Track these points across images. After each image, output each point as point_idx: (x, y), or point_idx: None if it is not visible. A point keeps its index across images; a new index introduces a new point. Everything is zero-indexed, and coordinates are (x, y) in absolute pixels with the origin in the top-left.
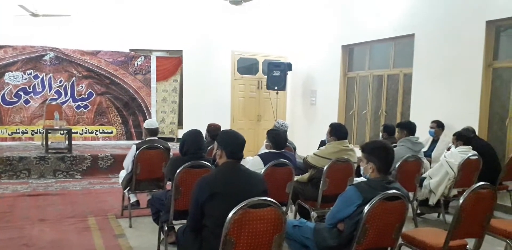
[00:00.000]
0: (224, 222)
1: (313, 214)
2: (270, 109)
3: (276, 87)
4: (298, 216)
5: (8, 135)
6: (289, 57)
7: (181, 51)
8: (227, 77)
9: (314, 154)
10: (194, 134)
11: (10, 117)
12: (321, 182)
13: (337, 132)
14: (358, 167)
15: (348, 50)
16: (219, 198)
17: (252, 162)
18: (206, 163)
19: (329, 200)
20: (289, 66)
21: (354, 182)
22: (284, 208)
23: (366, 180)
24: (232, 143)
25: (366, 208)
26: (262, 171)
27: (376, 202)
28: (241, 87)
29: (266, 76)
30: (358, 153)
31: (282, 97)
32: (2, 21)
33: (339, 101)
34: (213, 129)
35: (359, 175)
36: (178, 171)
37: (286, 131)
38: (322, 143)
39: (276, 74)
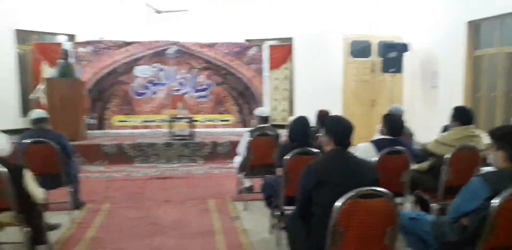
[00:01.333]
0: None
1: (433, 206)
2: (385, 93)
3: (391, 70)
4: (416, 208)
5: (140, 123)
6: (405, 37)
7: (291, 38)
8: (339, 61)
9: (435, 140)
10: (300, 121)
11: (141, 107)
12: (443, 171)
13: (462, 116)
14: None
15: (474, 26)
16: (326, 186)
17: (363, 148)
18: (314, 149)
19: (451, 191)
20: (405, 47)
21: (481, 172)
22: (400, 199)
23: (495, 170)
24: (339, 129)
25: (495, 202)
26: (374, 158)
27: (507, 195)
28: (353, 71)
29: (380, 59)
30: (486, 139)
31: (398, 80)
32: (130, 19)
33: (465, 83)
34: (321, 115)
35: (487, 165)
36: (286, 157)
37: (402, 116)
38: (445, 129)
39: (392, 56)
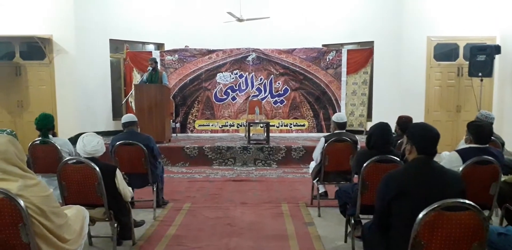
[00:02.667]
0: (413, 223)
1: None
2: (473, 99)
3: (480, 74)
4: (504, 223)
5: (219, 127)
6: (497, 39)
7: (373, 42)
8: (421, 65)
9: None
10: (381, 127)
11: (221, 112)
12: None
13: None
14: None
15: None
16: (408, 197)
17: (448, 158)
18: (395, 157)
19: None
20: (497, 49)
21: None
22: (487, 212)
23: None
24: (424, 137)
25: None
26: (461, 168)
27: None
28: (437, 76)
29: (468, 62)
30: None
31: (487, 85)
32: (213, 28)
33: None
34: (403, 121)
35: None
36: (364, 164)
37: (492, 123)
38: None
39: (481, 59)
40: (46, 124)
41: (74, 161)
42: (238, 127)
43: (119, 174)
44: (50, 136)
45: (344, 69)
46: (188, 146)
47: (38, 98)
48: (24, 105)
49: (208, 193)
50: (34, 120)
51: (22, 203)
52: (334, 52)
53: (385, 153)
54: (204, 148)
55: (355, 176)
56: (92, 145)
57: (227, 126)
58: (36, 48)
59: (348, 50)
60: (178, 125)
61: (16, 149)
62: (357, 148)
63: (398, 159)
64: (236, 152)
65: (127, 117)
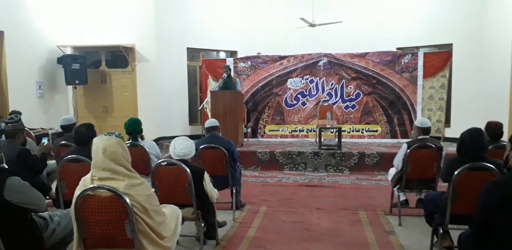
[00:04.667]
0: None
1: None
2: None
3: None
4: None
5: (289, 132)
6: None
7: (451, 44)
8: (506, 67)
9: None
10: (474, 133)
11: (291, 117)
12: None
13: None
14: None
15: None
16: None
17: None
18: (489, 165)
19: None
20: None
21: None
22: None
23: None
24: None
25: None
26: None
27: None
28: None
29: None
30: None
31: None
32: (285, 34)
33: None
34: (493, 127)
35: None
36: (456, 172)
37: None
38: None
39: None
40: (135, 128)
41: (166, 163)
42: (307, 132)
43: (206, 176)
44: (139, 139)
45: (420, 72)
46: (260, 151)
47: (121, 104)
48: (108, 110)
49: (282, 197)
50: (117, 124)
51: (128, 201)
52: (410, 55)
53: (478, 160)
54: (275, 152)
55: (441, 184)
56: (181, 147)
57: (296, 131)
58: (120, 57)
59: (425, 53)
60: (249, 130)
61: (123, 150)
62: (442, 155)
63: (493, 166)
64: (307, 157)
65: (210, 122)
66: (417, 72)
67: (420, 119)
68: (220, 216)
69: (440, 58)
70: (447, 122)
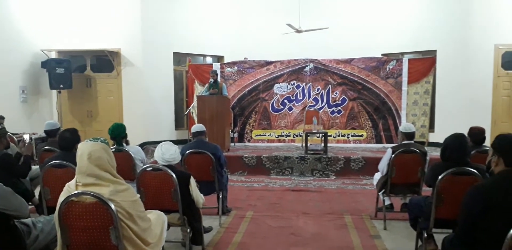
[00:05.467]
0: (504, 238)
1: None
2: None
3: None
4: None
5: (275, 137)
6: None
7: (435, 51)
8: (488, 74)
9: None
10: (458, 138)
11: (277, 122)
12: None
13: None
14: None
15: None
16: (497, 210)
17: None
18: (473, 170)
19: None
20: None
21: None
22: None
23: None
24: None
25: None
26: None
27: None
28: (505, 85)
29: None
30: None
31: None
32: (272, 40)
33: None
34: (476, 133)
35: None
36: (440, 177)
37: None
38: None
39: None
40: (119, 133)
41: (152, 168)
42: (294, 137)
43: (193, 181)
44: (124, 144)
45: (405, 78)
46: (246, 155)
47: (106, 108)
48: (93, 115)
49: (269, 202)
50: (102, 129)
51: (113, 207)
52: (395, 61)
53: (462, 165)
54: (262, 157)
55: (425, 188)
56: (170, 153)
57: (283, 135)
58: (105, 61)
59: (409, 59)
60: (236, 134)
61: (108, 156)
62: (426, 160)
63: (476, 171)
64: (293, 161)
65: (197, 127)
66: (401, 78)
67: (404, 125)
68: (206, 221)
69: (424, 64)
70: (431, 128)
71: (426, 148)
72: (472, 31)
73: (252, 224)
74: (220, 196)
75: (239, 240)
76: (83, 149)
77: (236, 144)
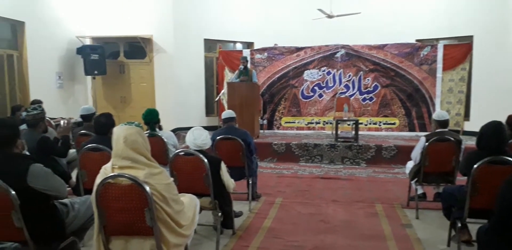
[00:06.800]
0: None
1: None
2: None
3: None
4: None
5: (305, 124)
6: None
7: (472, 36)
8: None
9: None
10: (494, 126)
11: (307, 109)
12: None
13: None
14: None
15: None
16: None
17: None
18: (510, 158)
19: None
20: None
21: None
22: None
23: None
24: None
25: None
26: None
27: None
28: None
29: None
30: None
31: None
32: (302, 25)
33: None
34: None
35: None
36: (475, 166)
37: None
38: None
39: None
40: (153, 118)
41: (184, 152)
42: (324, 124)
43: (223, 166)
44: (157, 129)
45: (439, 65)
46: (276, 142)
47: (139, 94)
48: (127, 101)
49: (298, 189)
50: (135, 115)
51: (148, 189)
52: (429, 47)
53: (498, 154)
54: (291, 144)
55: (458, 178)
56: (201, 138)
57: (313, 123)
58: (138, 48)
59: (445, 45)
60: (265, 121)
61: (143, 139)
62: (461, 148)
63: None
64: (323, 149)
65: (227, 113)
66: (436, 64)
67: (438, 112)
68: (236, 206)
69: (460, 50)
70: (467, 116)
71: (460, 137)
72: (510, 16)
73: (282, 210)
74: (250, 182)
75: (269, 225)
76: (119, 132)
77: (265, 131)
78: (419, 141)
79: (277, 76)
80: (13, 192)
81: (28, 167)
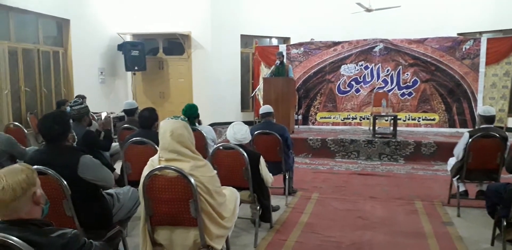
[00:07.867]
0: None
1: None
2: None
3: None
4: None
5: (341, 120)
6: None
7: None
8: None
9: None
10: None
11: (343, 104)
12: None
13: None
14: None
15: None
16: None
17: None
18: None
19: None
20: None
21: None
22: None
23: None
24: None
25: None
26: None
27: None
28: None
29: None
30: None
31: None
32: (340, 19)
33: None
34: None
35: None
36: None
37: None
38: None
39: None
40: (193, 113)
41: (224, 147)
42: (360, 120)
43: (262, 161)
44: (197, 124)
45: (482, 59)
46: (311, 138)
47: (177, 90)
48: (165, 96)
49: (334, 184)
50: (174, 110)
51: (193, 181)
52: (472, 41)
53: None
54: (327, 140)
55: (503, 175)
56: (241, 133)
57: (349, 118)
58: (176, 44)
59: (488, 39)
60: (300, 117)
61: (188, 133)
62: (507, 145)
63: None
64: (360, 145)
65: (265, 108)
66: (479, 59)
67: (483, 108)
68: (274, 200)
69: (505, 44)
70: (511, 112)
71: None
72: None
73: (318, 205)
74: (287, 177)
75: (306, 220)
76: (166, 126)
77: (300, 126)
78: (463, 136)
79: (313, 71)
80: (65, 182)
81: (79, 158)
